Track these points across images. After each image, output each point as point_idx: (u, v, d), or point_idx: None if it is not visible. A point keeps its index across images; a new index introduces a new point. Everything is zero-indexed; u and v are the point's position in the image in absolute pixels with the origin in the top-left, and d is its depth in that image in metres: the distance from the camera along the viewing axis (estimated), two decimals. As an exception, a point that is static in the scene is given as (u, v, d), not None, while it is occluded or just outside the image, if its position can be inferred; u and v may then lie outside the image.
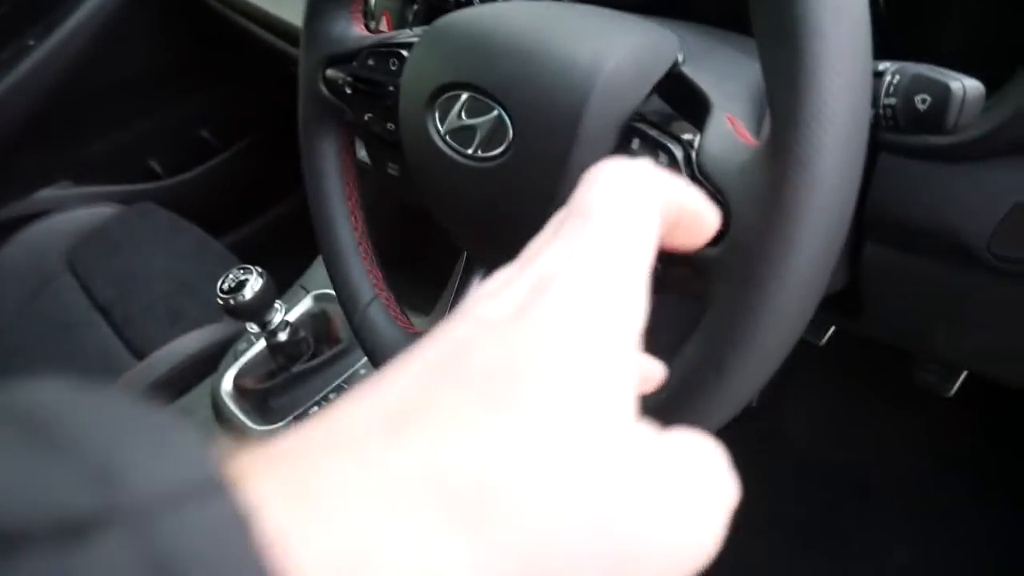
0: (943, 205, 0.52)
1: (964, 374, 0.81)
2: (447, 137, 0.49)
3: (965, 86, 0.40)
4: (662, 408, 0.41)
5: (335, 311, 1.00)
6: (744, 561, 1.16)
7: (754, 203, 0.37)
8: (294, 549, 0.16)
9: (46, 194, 1.40)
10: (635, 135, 0.42)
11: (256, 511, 0.16)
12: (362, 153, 0.65)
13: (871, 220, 0.56)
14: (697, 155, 0.40)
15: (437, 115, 0.50)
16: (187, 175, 1.51)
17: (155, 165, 1.50)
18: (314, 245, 0.64)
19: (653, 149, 0.41)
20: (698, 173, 0.39)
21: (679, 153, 0.40)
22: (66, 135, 1.40)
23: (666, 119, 0.42)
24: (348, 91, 0.58)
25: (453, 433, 0.19)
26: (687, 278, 0.45)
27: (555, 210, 0.41)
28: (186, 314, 1.19)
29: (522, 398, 0.19)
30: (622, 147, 0.43)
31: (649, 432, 0.21)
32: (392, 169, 0.59)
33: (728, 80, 0.44)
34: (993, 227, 0.49)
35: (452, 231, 0.54)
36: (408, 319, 0.61)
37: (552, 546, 0.18)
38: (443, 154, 0.49)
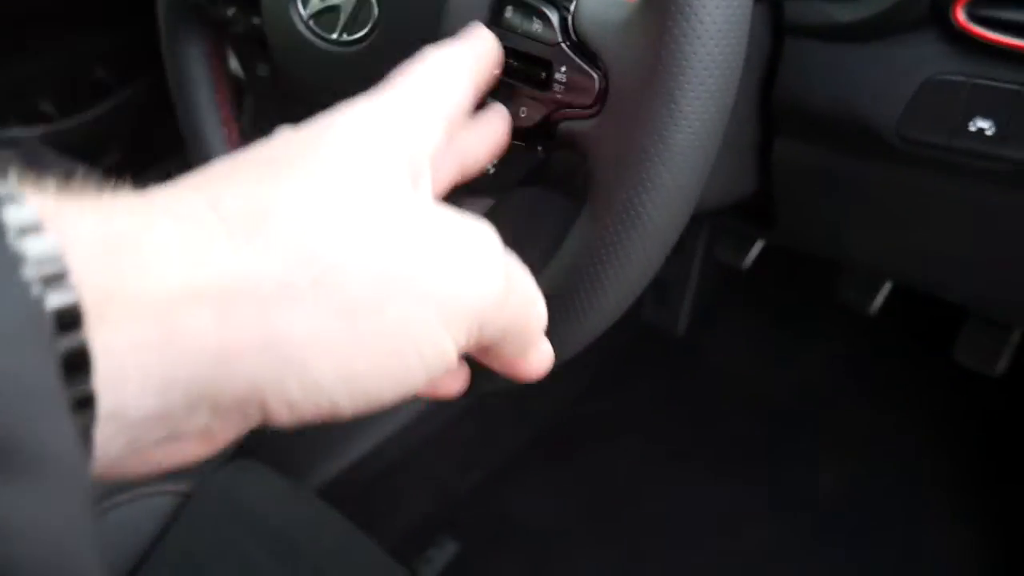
0: (850, 89, 0.49)
1: (888, 289, 0.79)
2: (310, 22, 0.44)
3: None
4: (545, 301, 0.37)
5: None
6: (670, 486, 1.16)
7: (633, 64, 0.33)
8: (65, 229, 0.19)
9: (-76, 139, 1.30)
10: (508, 3, 0.37)
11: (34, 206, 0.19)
12: (235, 65, 0.59)
13: (778, 112, 0.53)
14: (573, 17, 0.35)
15: (299, 0, 0.45)
16: (82, 116, 1.41)
17: (46, 106, 1.40)
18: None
19: (528, 15, 0.36)
20: (574, 35, 0.35)
21: (554, 17, 0.36)
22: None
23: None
24: None
25: (244, 182, 0.23)
26: (572, 166, 0.41)
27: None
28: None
29: (307, 162, 0.24)
30: (495, 19, 0.38)
31: (426, 200, 0.26)
32: (261, 70, 0.54)
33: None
34: (901, 109, 0.46)
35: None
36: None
37: (317, 255, 0.22)
38: (306, 41, 0.44)
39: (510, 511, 1.16)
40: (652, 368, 1.28)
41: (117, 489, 0.77)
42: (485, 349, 0.28)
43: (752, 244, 0.88)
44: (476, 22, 0.35)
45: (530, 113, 0.37)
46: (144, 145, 1.45)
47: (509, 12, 0.37)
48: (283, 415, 0.23)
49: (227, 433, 0.23)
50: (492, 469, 1.20)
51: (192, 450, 0.23)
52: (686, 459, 1.17)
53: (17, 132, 1.36)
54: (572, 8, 0.36)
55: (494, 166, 0.40)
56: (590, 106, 0.35)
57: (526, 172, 0.39)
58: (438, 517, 1.16)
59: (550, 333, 0.36)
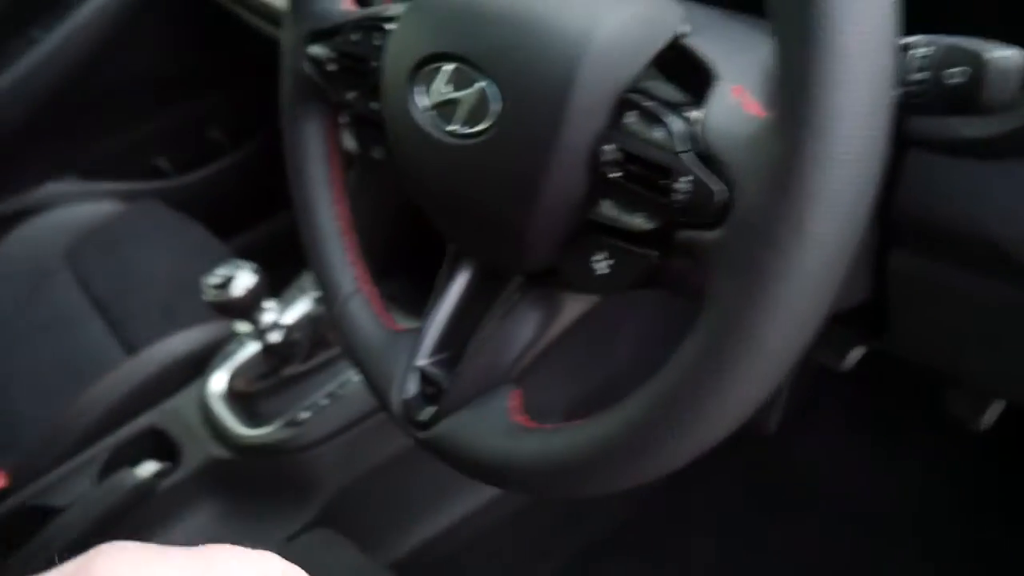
0: (979, 208, 0.46)
1: (1001, 406, 0.75)
2: (429, 112, 0.45)
3: (1004, 56, 0.35)
4: (647, 418, 0.36)
5: (333, 314, 0.96)
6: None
7: (762, 180, 0.32)
8: None
9: (51, 189, 1.38)
10: (630, 109, 0.37)
11: None
12: (352, 144, 0.61)
13: (898, 224, 0.51)
14: (701, 128, 0.35)
15: (420, 90, 0.46)
16: (194, 175, 1.48)
17: (163, 163, 1.47)
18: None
19: (650, 123, 0.36)
20: (699, 145, 0.35)
21: (677, 126, 0.36)
22: (74, 130, 1.38)
23: (666, 93, 0.38)
24: (331, 68, 0.54)
25: None
26: (686, 270, 0.40)
27: (539, 194, 0.36)
28: (182, 313, 1.16)
29: None
30: (615, 123, 0.38)
31: None
32: (376, 152, 0.55)
33: (737, 52, 0.39)
34: (1035, 232, 0.44)
35: (434, 219, 0.50)
36: (391, 317, 0.57)
37: None
38: (423, 132, 0.45)
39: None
40: (741, 463, 1.23)
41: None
42: None
43: (852, 347, 0.84)
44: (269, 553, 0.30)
45: (648, 219, 0.37)
46: (251, 204, 1.50)
47: (630, 118, 0.37)
48: None
49: None
50: (567, 560, 1.17)
51: None
52: (770, 558, 1.12)
53: (135, 186, 1.43)
54: (698, 118, 0.35)
55: (608, 266, 0.40)
56: (712, 218, 0.34)
57: (640, 275, 0.39)
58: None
59: (656, 442, 0.35)
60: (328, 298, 0.58)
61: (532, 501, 1.08)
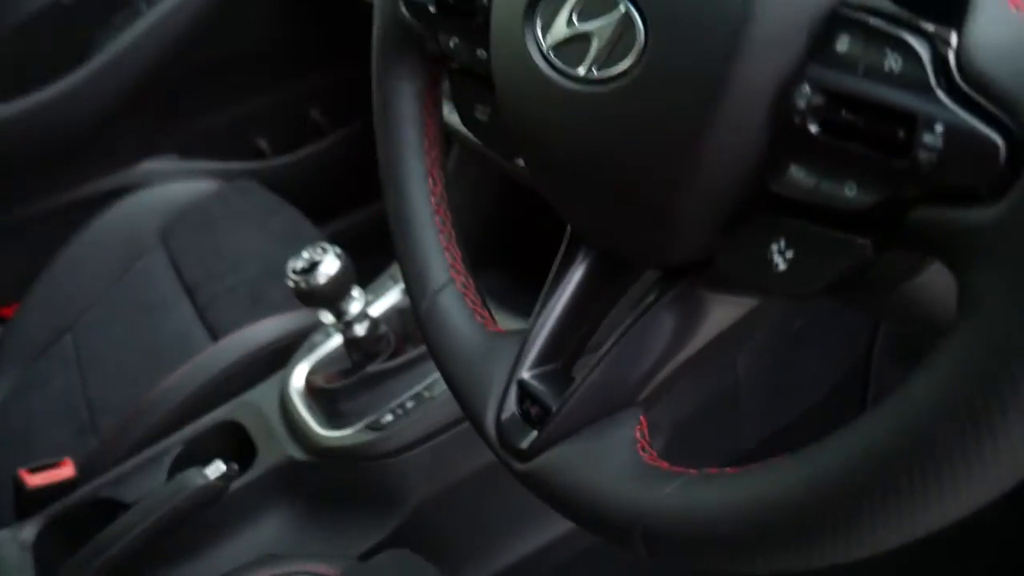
0: None
1: None
2: (551, 53, 0.35)
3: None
4: (873, 472, 0.25)
5: (424, 307, 0.87)
6: None
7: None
8: None
9: (149, 165, 1.35)
10: (844, 28, 0.26)
11: None
12: (455, 119, 0.51)
13: None
14: (960, 51, 0.23)
15: (539, 25, 0.36)
16: (293, 156, 1.43)
17: (261, 143, 1.43)
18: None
19: (877, 48, 0.25)
20: (961, 79, 0.23)
21: (924, 51, 0.24)
22: (173, 107, 1.34)
23: (893, 7, 0.26)
24: (432, 10, 0.45)
25: None
26: (913, 268, 0.29)
27: (700, 156, 0.26)
28: (269, 299, 1.10)
29: None
30: (819, 52, 0.27)
31: None
32: (481, 113, 0.45)
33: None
34: None
35: (551, 194, 0.40)
36: (490, 314, 0.47)
37: None
38: (544, 78, 0.35)
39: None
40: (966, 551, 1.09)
41: (264, 566, 0.70)
42: None
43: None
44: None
45: (864, 190, 0.25)
46: (348, 189, 1.44)
47: (843, 41, 0.26)
48: None
49: None
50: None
51: None
52: None
53: (232, 165, 1.39)
54: (956, 38, 0.24)
55: (789, 260, 0.28)
56: (982, 187, 0.22)
57: (839, 274, 0.27)
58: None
59: (887, 506, 0.24)
60: (414, 290, 0.49)
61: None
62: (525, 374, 0.41)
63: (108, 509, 0.81)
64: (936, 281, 0.32)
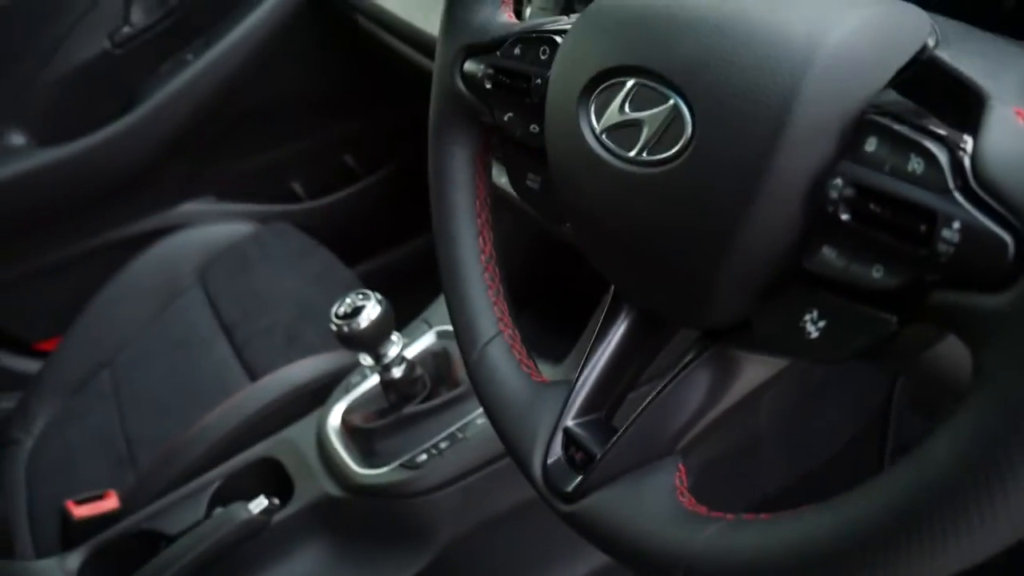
0: None
1: None
2: (603, 136, 0.39)
3: None
4: (892, 525, 0.28)
5: (458, 351, 0.91)
6: None
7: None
8: None
9: (188, 208, 1.40)
10: (871, 132, 0.30)
11: None
12: (503, 181, 0.55)
13: None
14: (974, 158, 0.27)
15: (593, 109, 0.39)
16: (327, 199, 1.48)
17: (297, 187, 1.48)
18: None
19: (902, 151, 0.28)
20: (975, 184, 0.27)
21: (942, 156, 0.28)
22: (213, 151, 1.40)
23: (917, 116, 0.30)
24: (488, 86, 0.49)
25: None
26: (928, 338, 0.32)
27: (740, 234, 0.29)
28: (305, 340, 1.14)
29: None
30: (850, 150, 0.30)
31: None
32: (532, 181, 0.49)
33: (1002, 71, 0.31)
34: None
35: (597, 258, 0.43)
36: (534, 365, 0.50)
37: None
38: (596, 157, 0.39)
39: None
40: None
41: None
42: None
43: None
44: None
45: (889, 273, 0.29)
46: (378, 231, 1.49)
47: (872, 143, 0.30)
48: None
49: None
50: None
51: None
52: None
53: (268, 208, 1.44)
54: (971, 146, 0.28)
55: (820, 329, 0.32)
56: (993, 277, 0.26)
57: (867, 345, 0.31)
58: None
59: (899, 557, 0.27)
60: (464, 341, 0.52)
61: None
62: (570, 422, 0.44)
63: (151, 541, 0.85)
64: (954, 349, 0.36)
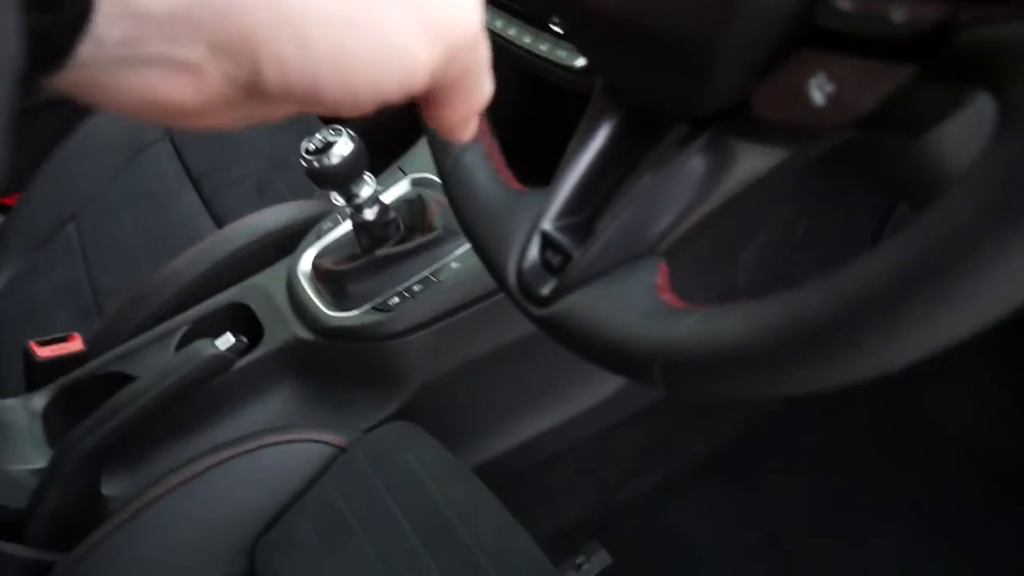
0: None
1: None
2: None
3: None
4: (880, 292, 0.26)
5: (432, 197, 0.88)
6: (862, 533, 1.01)
7: None
8: None
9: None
10: None
11: None
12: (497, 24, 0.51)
13: None
14: None
15: None
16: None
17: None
18: (420, 127, 0.51)
19: None
20: None
21: None
22: None
23: None
24: None
25: None
26: (946, 108, 0.29)
27: None
28: (276, 190, 1.10)
29: None
30: None
31: None
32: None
33: None
34: None
35: (586, 45, 0.40)
36: (512, 174, 0.47)
37: None
38: None
39: (673, 527, 1.04)
40: (861, 401, 1.12)
41: (274, 431, 0.72)
42: (437, 96, 0.28)
43: None
44: None
45: (913, 11, 0.26)
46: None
47: None
48: (272, 76, 0.23)
49: (215, 80, 0.23)
50: (658, 481, 1.08)
51: (179, 88, 0.23)
52: (877, 501, 1.02)
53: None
54: None
55: (829, 91, 0.29)
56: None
57: (880, 101, 0.28)
58: (592, 523, 1.06)
59: (888, 328, 0.25)
60: (438, 151, 0.49)
61: (621, 418, 0.99)
62: (548, 225, 0.42)
63: (117, 382, 0.83)
64: (959, 134, 0.33)
